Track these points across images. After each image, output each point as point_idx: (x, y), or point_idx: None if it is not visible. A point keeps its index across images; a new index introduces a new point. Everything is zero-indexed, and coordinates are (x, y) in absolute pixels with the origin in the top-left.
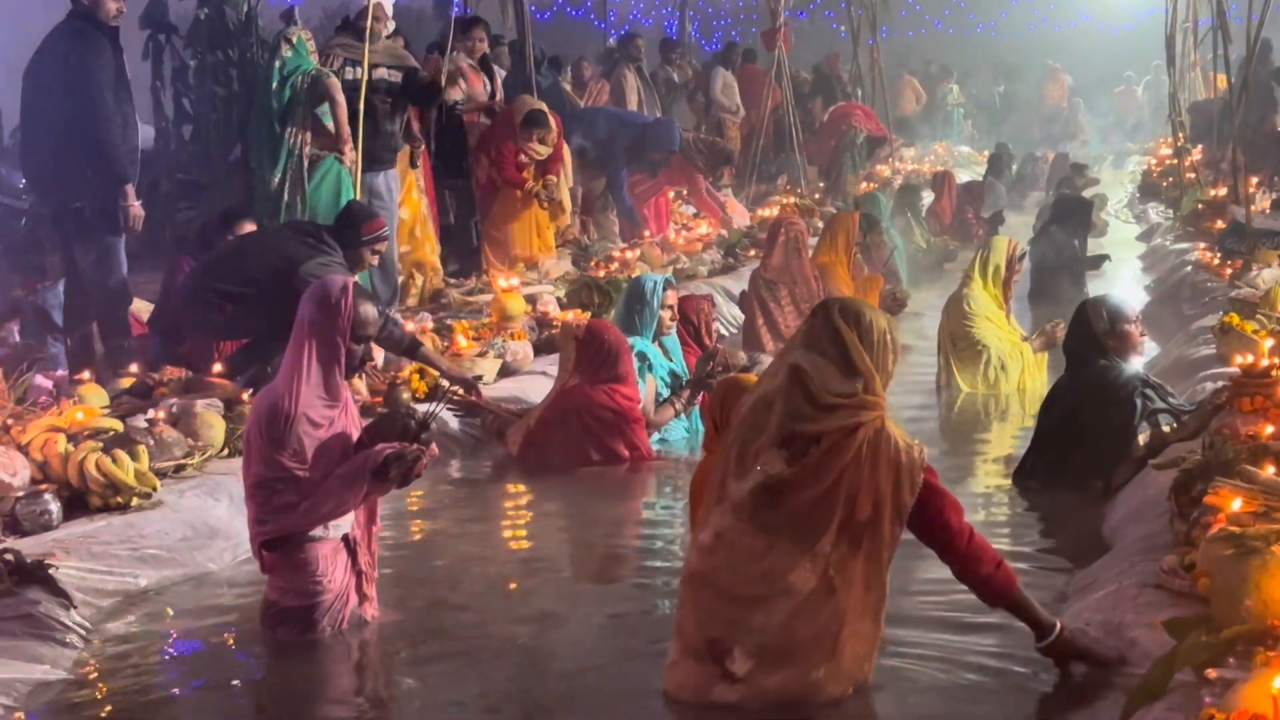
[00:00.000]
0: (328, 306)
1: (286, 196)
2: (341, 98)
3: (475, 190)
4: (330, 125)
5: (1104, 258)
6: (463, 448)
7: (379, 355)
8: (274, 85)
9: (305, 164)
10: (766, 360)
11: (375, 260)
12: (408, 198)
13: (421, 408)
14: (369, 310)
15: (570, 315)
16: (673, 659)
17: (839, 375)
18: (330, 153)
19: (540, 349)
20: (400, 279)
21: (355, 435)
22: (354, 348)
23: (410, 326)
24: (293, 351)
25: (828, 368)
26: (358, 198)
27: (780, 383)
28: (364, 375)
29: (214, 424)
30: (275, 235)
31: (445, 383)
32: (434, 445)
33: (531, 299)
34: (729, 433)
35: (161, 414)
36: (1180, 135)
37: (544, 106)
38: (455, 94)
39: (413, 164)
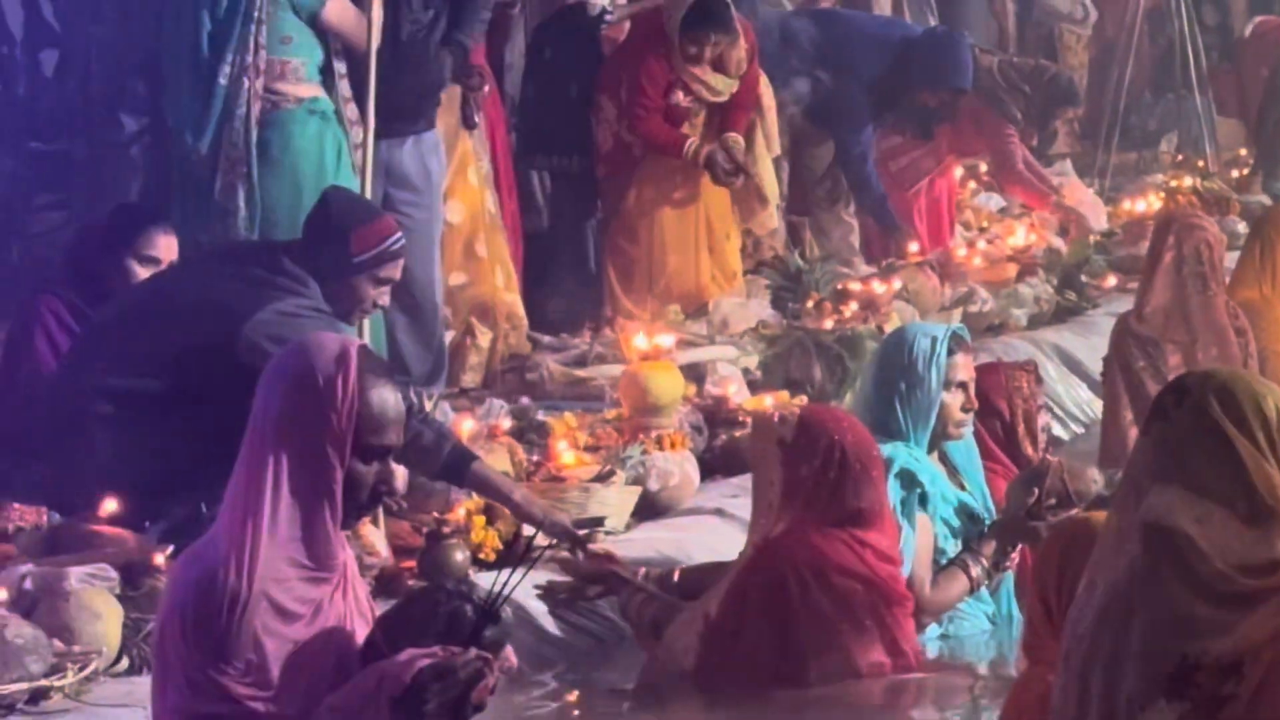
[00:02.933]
0: (310, 393)
1: (220, 184)
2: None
3: (596, 168)
4: (304, 55)
5: None
6: (573, 653)
7: (402, 479)
8: None
9: (253, 124)
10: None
11: (384, 298)
12: (459, 184)
13: (485, 580)
14: (386, 398)
15: (768, 400)
16: None
17: (1241, 525)
18: (306, 99)
19: (714, 467)
20: (449, 335)
21: (361, 634)
22: (361, 469)
23: (466, 426)
24: (246, 478)
25: (1217, 515)
26: (366, 184)
27: (1135, 563)
28: (380, 519)
29: (103, 612)
30: (196, 270)
31: (531, 531)
32: (509, 651)
33: (698, 373)
34: (1067, 662)
35: (5, 593)
36: None
37: None
38: None
39: (467, 123)
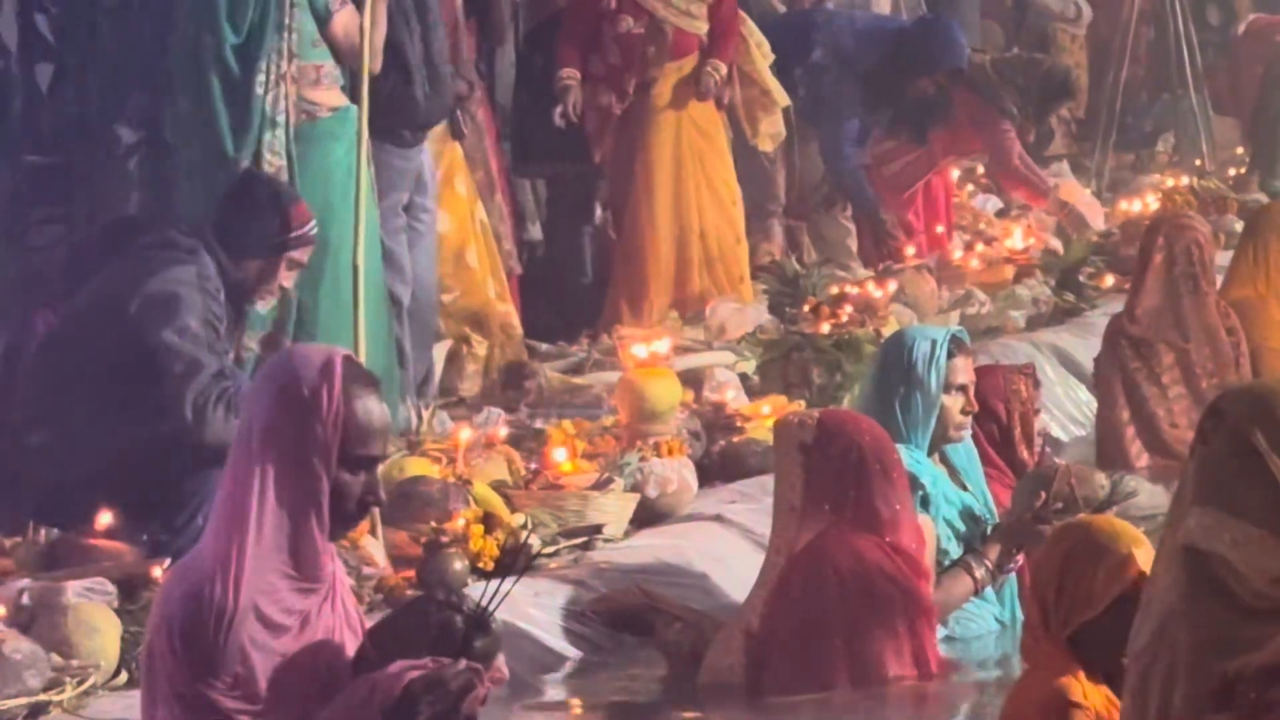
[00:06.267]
0: (295, 403)
1: None
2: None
3: (594, 168)
4: (333, 61)
5: None
6: (572, 663)
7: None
8: None
9: (293, 135)
10: (1143, 489)
11: (289, 281)
12: (446, 195)
13: (477, 590)
14: (371, 408)
15: (766, 408)
16: None
17: (1277, 545)
18: (339, 108)
19: (712, 473)
20: (445, 346)
21: (351, 645)
22: (347, 479)
23: (464, 434)
24: (232, 489)
25: (1255, 535)
26: (362, 196)
27: (1179, 586)
28: (378, 529)
29: (101, 626)
30: (116, 262)
31: (525, 534)
32: (500, 662)
33: (695, 379)
34: (1127, 675)
35: (3, 608)
36: None
37: None
38: None
39: (455, 133)
